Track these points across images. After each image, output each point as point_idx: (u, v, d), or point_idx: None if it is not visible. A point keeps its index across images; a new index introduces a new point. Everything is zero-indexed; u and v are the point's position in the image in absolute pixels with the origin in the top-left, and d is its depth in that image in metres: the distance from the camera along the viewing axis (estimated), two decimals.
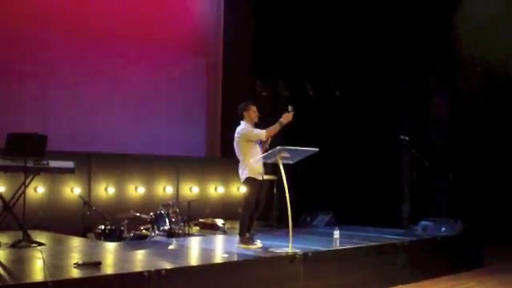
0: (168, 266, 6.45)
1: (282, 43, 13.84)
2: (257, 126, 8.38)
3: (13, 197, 8.83)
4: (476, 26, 12.15)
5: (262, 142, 8.34)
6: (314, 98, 13.59)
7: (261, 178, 8.33)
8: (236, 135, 8.33)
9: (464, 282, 9.21)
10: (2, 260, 6.91)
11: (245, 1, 14.62)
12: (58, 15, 11.98)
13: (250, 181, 8.25)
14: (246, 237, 8.24)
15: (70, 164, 9.71)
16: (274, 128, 8.15)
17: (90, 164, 11.86)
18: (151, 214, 10.37)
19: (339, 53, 13.66)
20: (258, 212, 8.54)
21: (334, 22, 13.63)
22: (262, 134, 8.22)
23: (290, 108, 8.13)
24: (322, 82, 13.79)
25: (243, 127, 8.34)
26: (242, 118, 8.43)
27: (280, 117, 8.14)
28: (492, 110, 12.54)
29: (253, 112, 8.39)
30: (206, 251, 8.44)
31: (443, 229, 10.75)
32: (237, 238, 8.40)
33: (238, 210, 8.54)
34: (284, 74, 13.96)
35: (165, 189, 13.10)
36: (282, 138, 8.48)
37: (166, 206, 10.71)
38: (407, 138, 11.38)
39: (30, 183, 8.96)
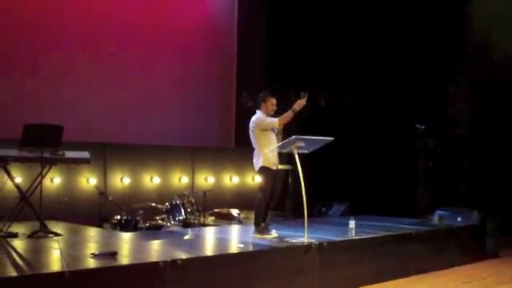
0: (183, 255, 6.46)
1: (296, 15, 13.84)
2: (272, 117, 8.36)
3: (29, 188, 8.89)
4: (492, 13, 12.07)
5: (276, 133, 8.33)
6: (329, 90, 13.52)
7: (275, 168, 8.32)
8: (251, 124, 8.33)
9: (479, 272, 9.17)
10: (19, 250, 6.97)
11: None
12: (72, 5, 12.01)
13: (264, 170, 8.24)
14: (261, 227, 8.25)
15: (85, 154, 9.74)
16: (288, 115, 8.13)
17: (105, 154, 11.92)
18: (167, 204, 10.41)
19: (355, 40, 13.62)
20: (274, 202, 8.53)
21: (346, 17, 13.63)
22: (275, 121, 8.21)
23: (302, 94, 8.10)
24: (339, 70, 13.72)
25: (258, 116, 8.33)
26: (258, 108, 8.42)
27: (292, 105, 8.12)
28: (509, 100, 12.43)
29: (270, 104, 8.36)
30: (222, 241, 8.45)
31: (459, 218, 10.71)
32: (252, 227, 8.41)
33: (253, 199, 8.53)
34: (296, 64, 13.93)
35: (180, 179, 13.14)
36: (297, 128, 8.44)
37: (182, 196, 10.76)
38: (423, 127, 11.33)
39: (46, 174, 9.02)
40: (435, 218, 10.94)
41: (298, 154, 7.93)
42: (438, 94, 12.96)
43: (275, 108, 8.37)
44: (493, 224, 10.67)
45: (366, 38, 13.56)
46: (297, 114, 8.10)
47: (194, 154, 13.44)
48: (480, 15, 12.35)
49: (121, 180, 12.20)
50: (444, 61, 12.87)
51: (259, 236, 8.15)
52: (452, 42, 12.75)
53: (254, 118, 8.34)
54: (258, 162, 8.30)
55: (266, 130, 8.25)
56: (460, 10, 12.62)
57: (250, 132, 8.35)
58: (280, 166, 8.53)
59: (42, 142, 8.57)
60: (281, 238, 8.02)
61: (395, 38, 13.16)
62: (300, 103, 8.08)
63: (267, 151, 8.13)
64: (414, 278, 8.59)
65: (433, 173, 11.54)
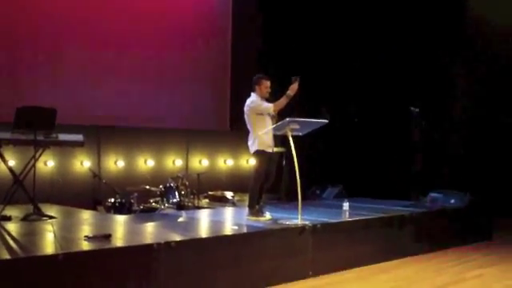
0: (177, 238, 6.49)
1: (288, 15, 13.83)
2: (267, 101, 8.34)
3: (23, 170, 8.86)
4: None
5: (271, 116, 8.33)
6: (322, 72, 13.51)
7: (270, 151, 8.33)
8: (246, 108, 8.31)
9: (472, 254, 9.25)
10: (13, 233, 6.97)
11: None
12: None
13: (259, 153, 8.25)
14: (255, 209, 8.27)
15: (79, 137, 9.71)
16: (282, 101, 8.12)
17: (99, 137, 11.89)
18: (161, 186, 10.42)
19: (350, 24, 13.60)
20: (269, 184, 8.54)
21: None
22: (270, 107, 8.20)
23: (293, 78, 8.09)
24: (334, 52, 13.71)
25: (253, 99, 8.31)
26: (252, 90, 8.40)
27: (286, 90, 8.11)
28: (505, 83, 12.44)
29: (265, 87, 8.33)
30: (216, 223, 8.46)
31: (452, 201, 10.76)
32: (246, 210, 8.43)
33: (247, 182, 8.56)
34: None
35: (174, 162, 13.14)
36: (291, 111, 8.44)
37: (176, 178, 10.77)
38: (417, 110, 11.35)
39: (39, 157, 8.98)
40: (429, 201, 11.00)
41: (292, 136, 7.93)
42: (434, 76, 12.96)
43: (269, 90, 8.35)
44: (485, 206, 10.73)
45: (361, 22, 13.54)
46: (291, 98, 8.10)
47: (189, 136, 13.42)
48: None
49: (115, 163, 12.19)
50: (440, 44, 12.87)
51: (253, 218, 8.18)
52: (448, 25, 12.74)
53: (248, 102, 8.32)
54: (253, 145, 8.31)
55: (261, 113, 8.25)
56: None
57: (245, 115, 8.34)
58: (275, 149, 8.54)
59: (36, 125, 8.52)
60: (275, 220, 8.04)
61: (392, 20, 13.15)
62: (293, 88, 8.07)
63: (262, 133, 8.13)
64: (407, 260, 8.66)
65: (427, 155, 11.56)
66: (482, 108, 12.51)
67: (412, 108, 11.39)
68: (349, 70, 13.80)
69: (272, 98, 8.36)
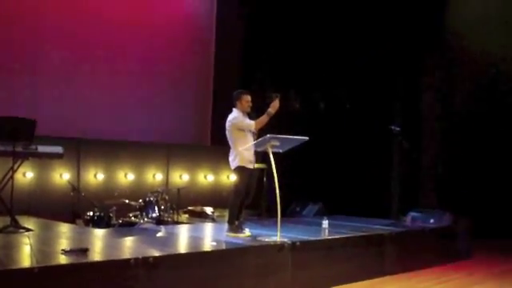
0: (156, 253, 6.43)
1: (275, 13, 13.88)
2: (249, 115, 8.34)
3: (1, 181, 8.77)
4: (468, 23, 12.21)
5: (253, 133, 8.33)
6: (302, 92, 13.54)
7: (251, 167, 8.31)
8: (227, 123, 8.30)
9: (452, 273, 9.25)
10: None
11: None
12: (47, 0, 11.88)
13: (240, 169, 8.23)
14: (234, 225, 8.23)
15: (58, 149, 9.65)
16: (263, 119, 8.14)
17: (79, 149, 11.80)
18: (140, 200, 10.35)
19: (331, 41, 13.65)
20: (249, 200, 8.51)
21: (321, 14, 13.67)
22: (251, 124, 8.19)
23: (274, 95, 8.10)
24: (315, 70, 13.75)
25: (235, 115, 8.30)
26: (234, 106, 8.39)
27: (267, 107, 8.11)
28: (483, 104, 12.55)
29: (245, 102, 8.33)
30: (195, 239, 8.42)
31: (432, 220, 10.78)
32: (226, 226, 8.39)
33: (227, 198, 8.53)
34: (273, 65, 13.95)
35: (154, 176, 13.07)
36: (272, 128, 8.43)
37: (156, 193, 10.70)
38: (398, 129, 11.39)
39: (18, 168, 8.89)
40: (408, 220, 11.01)
41: (273, 153, 7.92)
42: (413, 95, 13.04)
43: (250, 104, 8.35)
44: (465, 226, 10.77)
45: (341, 39, 13.59)
46: (272, 116, 8.10)
47: (170, 150, 13.37)
48: (456, 17, 12.45)
49: (94, 176, 12.10)
50: (419, 62, 12.96)
51: (232, 234, 8.13)
52: (427, 42, 12.84)
53: (230, 117, 8.31)
54: (234, 161, 8.29)
55: (242, 129, 8.24)
56: (437, 11, 12.71)
57: (227, 131, 8.33)
58: (256, 165, 8.52)
59: (14, 136, 8.44)
60: (254, 237, 8.01)
61: (370, 38, 13.22)
62: (274, 105, 8.09)
63: (243, 149, 8.11)
64: (386, 279, 8.63)
65: (407, 174, 11.61)
66: (463, 127, 12.59)
67: (393, 127, 11.44)
68: (331, 86, 13.83)
69: (254, 113, 8.35)
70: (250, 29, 14.31)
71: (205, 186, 14.01)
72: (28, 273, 5.34)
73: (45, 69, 11.78)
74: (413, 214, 11.13)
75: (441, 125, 12.89)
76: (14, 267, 5.56)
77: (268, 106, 8.11)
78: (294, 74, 13.45)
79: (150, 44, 13.37)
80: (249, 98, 8.36)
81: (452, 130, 12.70)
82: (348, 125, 13.62)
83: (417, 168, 12.29)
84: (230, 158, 8.34)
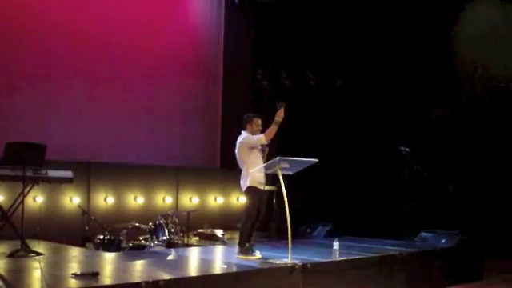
0: (166, 276, 6.42)
1: (282, 40, 13.93)
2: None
3: (11, 206, 8.79)
4: (476, 35, 12.20)
5: (262, 150, 8.34)
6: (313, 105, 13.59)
7: (262, 188, 8.31)
8: (238, 144, 8.34)
9: None
10: None
11: (243, 16, 14.63)
12: (57, 24, 11.96)
13: (251, 190, 8.24)
14: (245, 247, 8.21)
15: (68, 174, 9.68)
16: (272, 129, 8.13)
17: (89, 174, 11.83)
18: (150, 223, 10.34)
19: (339, 59, 13.71)
20: (258, 222, 8.50)
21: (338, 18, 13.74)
22: (261, 138, 8.20)
23: (278, 105, 8.13)
24: (325, 89, 13.81)
25: (244, 136, 8.35)
26: (243, 128, 8.43)
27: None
28: (492, 120, 12.51)
29: (256, 125, 8.41)
30: (205, 262, 8.39)
31: (443, 240, 10.72)
32: (236, 248, 8.37)
33: (237, 223, 8.51)
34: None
35: (164, 199, 13.07)
36: (281, 148, 8.45)
37: (165, 216, 10.69)
38: (407, 149, 11.36)
39: (28, 192, 8.92)
40: (419, 240, 10.96)
41: (283, 175, 7.92)
42: (422, 115, 13.02)
43: (261, 128, 8.40)
44: (477, 247, 10.69)
45: (349, 59, 13.63)
46: (279, 125, 8.08)
47: (179, 174, 13.38)
48: (466, 37, 12.45)
49: (104, 199, 12.11)
50: (428, 82, 12.96)
51: (243, 257, 8.11)
52: (437, 63, 12.83)
53: (240, 139, 8.36)
54: (243, 182, 8.30)
55: (253, 148, 8.24)
56: (446, 31, 12.72)
57: (237, 152, 8.35)
58: (266, 187, 8.52)
59: (25, 161, 8.49)
60: (265, 259, 7.98)
61: (380, 59, 13.24)
62: (280, 114, 8.10)
63: (255, 171, 8.11)
64: None
65: (418, 195, 11.55)
66: (474, 145, 12.54)
67: (402, 147, 11.41)
68: (340, 105, 13.85)
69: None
70: (257, 52, 14.37)
71: (215, 209, 14.00)
72: None
73: (54, 94, 11.85)
74: (424, 234, 11.08)
75: (451, 144, 12.83)
76: None
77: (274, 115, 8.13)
78: (303, 98, 13.49)
79: (158, 68, 13.43)
80: (259, 121, 8.43)
81: (462, 149, 12.64)
82: (357, 146, 13.59)
83: (427, 188, 12.22)
84: (242, 181, 8.35)
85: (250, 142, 8.25)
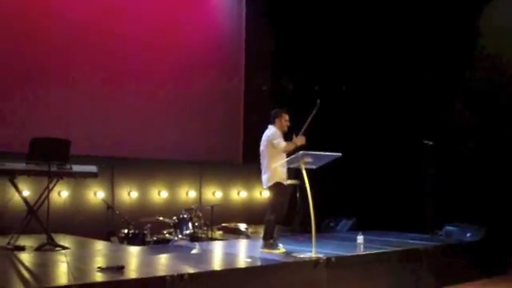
0: (191, 270, 6.44)
1: (301, 50, 13.90)
2: (285, 135, 8.41)
3: (37, 201, 8.88)
4: (501, 31, 12.06)
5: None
6: (335, 100, 13.51)
7: (285, 183, 8.34)
8: (265, 138, 8.36)
9: None
10: (26, 263, 6.97)
11: (264, 12, 14.60)
12: (80, 20, 11.99)
13: (277, 186, 8.28)
14: (269, 241, 8.23)
15: (93, 168, 9.74)
16: (290, 146, 8.16)
17: (113, 168, 11.90)
18: (174, 218, 10.39)
19: (364, 53, 13.63)
20: (281, 216, 8.52)
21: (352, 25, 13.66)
22: (282, 147, 8.19)
23: (318, 101, 8.16)
24: (348, 84, 13.73)
25: (273, 132, 8.36)
26: (272, 123, 8.44)
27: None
28: None
29: (285, 120, 8.48)
30: (229, 256, 8.42)
31: (468, 234, 10.66)
32: (260, 242, 8.39)
33: (264, 216, 8.54)
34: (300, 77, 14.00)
35: (188, 193, 13.12)
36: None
37: (189, 210, 10.74)
38: (431, 143, 11.29)
39: (53, 187, 9.01)
40: (444, 234, 10.90)
41: (306, 169, 7.91)
42: (447, 108, 12.91)
43: (289, 124, 8.44)
44: (501, 241, 10.61)
45: (374, 53, 13.54)
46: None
47: (202, 168, 13.42)
48: (490, 28, 12.32)
49: (128, 194, 12.19)
50: (454, 75, 12.84)
51: (267, 251, 8.14)
52: (462, 55, 12.71)
53: (269, 133, 8.37)
54: (269, 178, 8.32)
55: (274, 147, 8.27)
56: (469, 23, 12.60)
57: (262, 146, 8.36)
58: (288, 181, 8.53)
59: (50, 156, 8.57)
60: (288, 253, 7.99)
61: (404, 53, 13.14)
62: (301, 140, 8.13)
63: (277, 166, 8.12)
64: None
65: (442, 188, 11.47)
66: (497, 140, 12.41)
67: (426, 141, 11.34)
68: (362, 100, 13.77)
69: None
70: (279, 49, 14.34)
71: (238, 203, 14.03)
72: None
73: (79, 89, 11.91)
74: (448, 227, 11.02)
75: (476, 137, 12.70)
76: (52, 285, 5.61)
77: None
78: (326, 89, 13.44)
79: (182, 65, 13.45)
80: (287, 117, 8.48)
81: (488, 142, 12.50)
82: (382, 139, 13.52)
83: (452, 181, 12.12)
84: (265, 175, 8.36)
85: (273, 142, 8.26)
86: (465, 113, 12.85)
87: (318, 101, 8.19)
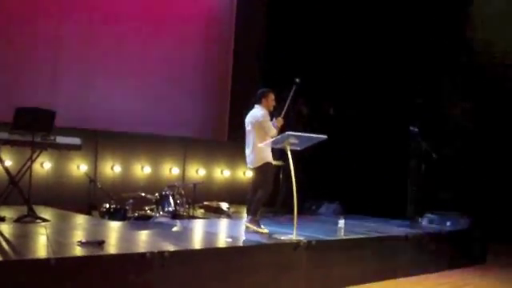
0: (171, 248, 6.44)
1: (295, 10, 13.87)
2: (271, 114, 8.41)
3: (19, 171, 8.80)
4: (489, 18, 12.09)
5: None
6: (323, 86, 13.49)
7: (273, 163, 8.39)
8: (252, 119, 8.34)
9: (466, 277, 9.19)
10: (5, 234, 6.92)
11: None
12: None
13: (267, 165, 8.33)
14: (256, 217, 8.26)
15: (76, 141, 9.67)
16: (275, 131, 8.27)
17: (97, 142, 11.84)
18: (156, 194, 10.37)
19: (351, 39, 13.59)
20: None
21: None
22: (274, 132, 8.24)
23: (297, 80, 8.30)
24: (334, 70, 13.69)
25: (263, 114, 8.32)
26: (258, 103, 8.43)
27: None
28: (504, 105, 12.42)
29: (271, 100, 8.47)
30: (210, 235, 8.43)
31: (448, 223, 10.72)
32: (241, 221, 8.41)
33: (247, 195, 8.57)
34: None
35: (171, 170, 13.09)
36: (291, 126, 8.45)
37: (172, 187, 10.71)
38: (417, 130, 11.32)
39: (36, 158, 8.92)
40: (425, 222, 10.96)
41: (291, 150, 7.90)
42: (434, 95, 12.94)
43: (274, 103, 8.42)
44: (481, 230, 10.69)
45: (362, 38, 13.52)
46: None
47: (187, 145, 13.39)
48: (480, 14, 12.33)
49: (111, 168, 12.14)
50: (441, 61, 12.86)
51: (251, 226, 8.18)
52: (450, 41, 12.73)
53: (258, 114, 8.34)
54: (258, 158, 8.33)
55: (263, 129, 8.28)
56: (460, 8, 12.60)
57: (249, 125, 8.35)
58: (273, 162, 8.54)
59: (34, 126, 8.47)
60: (270, 234, 8.00)
61: (392, 37, 13.13)
62: (280, 122, 8.33)
63: (263, 145, 8.11)
64: (400, 281, 8.59)
65: (425, 176, 11.52)
66: (482, 132, 12.47)
67: (411, 128, 11.36)
68: (350, 83, 13.76)
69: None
70: (270, 25, 14.28)
71: (221, 182, 14.02)
72: (44, 263, 5.36)
73: (65, 62, 11.82)
74: (429, 215, 11.07)
75: (462, 125, 12.75)
76: (31, 257, 5.60)
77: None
78: (314, 75, 13.40)
79: (169, 39, 13.35)
80: (273, 96, 8.48)
81: (474, 131, 12.55)
82: (366, 124, 13.54)
83: (435, 169, 12.18)
84: (251, 156, 8.35)
85: (263, 124, 8.26)
86: (452, 99, 12.90)
87: (298, 79, 8.23)
